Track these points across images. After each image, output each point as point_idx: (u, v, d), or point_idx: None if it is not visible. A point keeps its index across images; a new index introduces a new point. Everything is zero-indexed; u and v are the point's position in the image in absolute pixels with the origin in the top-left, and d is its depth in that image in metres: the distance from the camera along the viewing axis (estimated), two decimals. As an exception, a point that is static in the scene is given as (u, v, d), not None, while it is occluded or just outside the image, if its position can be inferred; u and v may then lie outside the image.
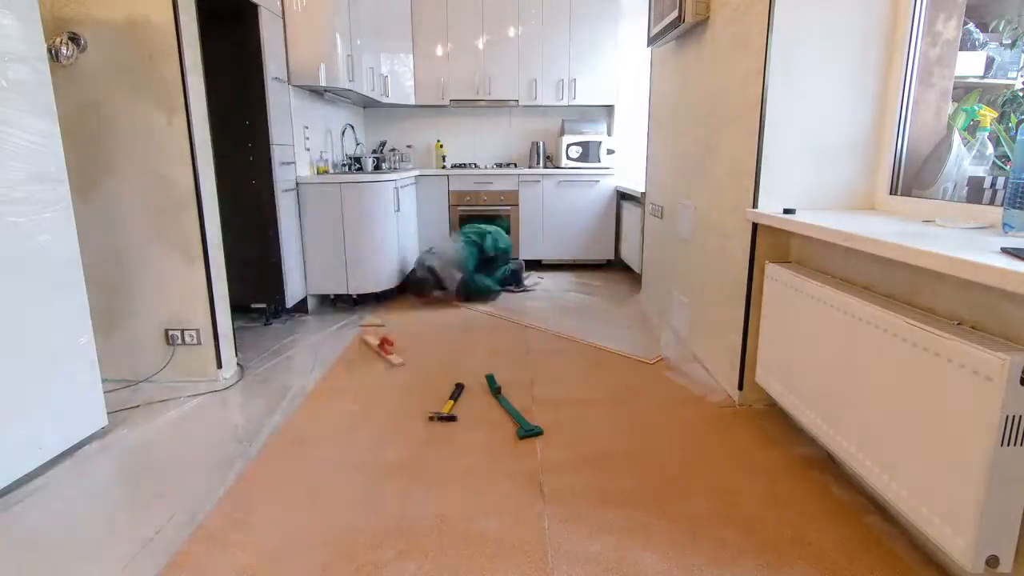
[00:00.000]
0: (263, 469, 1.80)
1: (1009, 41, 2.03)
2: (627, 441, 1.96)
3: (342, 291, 3.68)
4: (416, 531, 1.49)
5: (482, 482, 1.71)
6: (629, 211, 4.43)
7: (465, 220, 4.76)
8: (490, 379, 2.42)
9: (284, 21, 3.41)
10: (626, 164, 4.87)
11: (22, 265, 1.77)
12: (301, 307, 3.58)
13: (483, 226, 4.12)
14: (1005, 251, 1.18)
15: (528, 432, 1.99)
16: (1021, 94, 2.02)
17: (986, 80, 2.02)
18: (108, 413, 2.08)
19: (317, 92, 3.90)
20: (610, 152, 4.77)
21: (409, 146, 5.24)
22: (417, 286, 3.84)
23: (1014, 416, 1.07)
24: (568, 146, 4.78)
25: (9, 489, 1.69)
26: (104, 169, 2.31)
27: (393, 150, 5.12)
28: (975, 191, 1.74)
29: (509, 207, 4.77)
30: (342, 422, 2.11)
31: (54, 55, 2.13)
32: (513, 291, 4.11)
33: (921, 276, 1.44)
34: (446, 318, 3.48)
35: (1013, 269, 1.02)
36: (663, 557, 1.40)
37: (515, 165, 5.22)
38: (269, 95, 3.16)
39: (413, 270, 3.97)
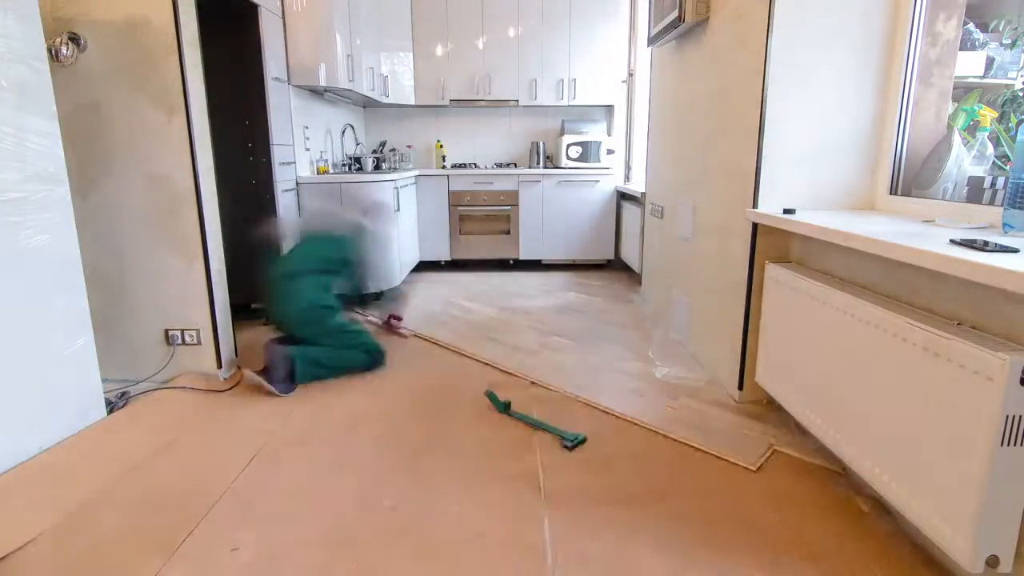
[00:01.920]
0: (264, 469, 1.80)
1: (1009, 41, 2.03)
2: (626, 440, 1.96)
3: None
4: (415, 530, 1.49)
5: (483, 486, 1.72)
6: (629, 211, 4.43)
7: (465, 220, 4.77)
8: (491, 396, 2.20)
9: (284, 21, 3.41)
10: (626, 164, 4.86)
11: (22, 265, 1.77)
12: (301, 307, 3.58)
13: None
14: (953, 242, 1.27)
15: (575, 442, 1.89)
16: (1021, 94, 2.02)
17: (986, 80, 2.02)
18: (108, 413, 2.08)
19: (317, 92, 3.90)
20: (610, 152, 4.77)
21: (409, 146, 5.24)
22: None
23: (1014, 416, 1.07)
24: (568, 146, 4.78)
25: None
26: (104, 169, 2.31)
27: (393, 150, 5.12)
28: (975, 191, 1.74)
29: (509, 207, 4.77)
30: (342, 423, 2.11)
31: (54, 55, 2.13)
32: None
33: (921, 276, 1.44)
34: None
35: (1014, 269, 1.02)
36: (666, 556, 1.40)
37: (515, 165, 5.22)
38: (269, 95, 3.16)
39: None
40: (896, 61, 1.95)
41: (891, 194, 2.00)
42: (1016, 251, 1.17)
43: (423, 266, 4.86)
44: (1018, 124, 1.96)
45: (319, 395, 2.34)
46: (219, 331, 2.46)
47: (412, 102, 4.90)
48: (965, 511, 1.15)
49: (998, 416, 1.07)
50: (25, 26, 1.77)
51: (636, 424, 2.08)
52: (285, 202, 3.33)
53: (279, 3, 3.35)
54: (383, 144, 5.03)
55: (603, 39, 4.78)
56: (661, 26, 2.89)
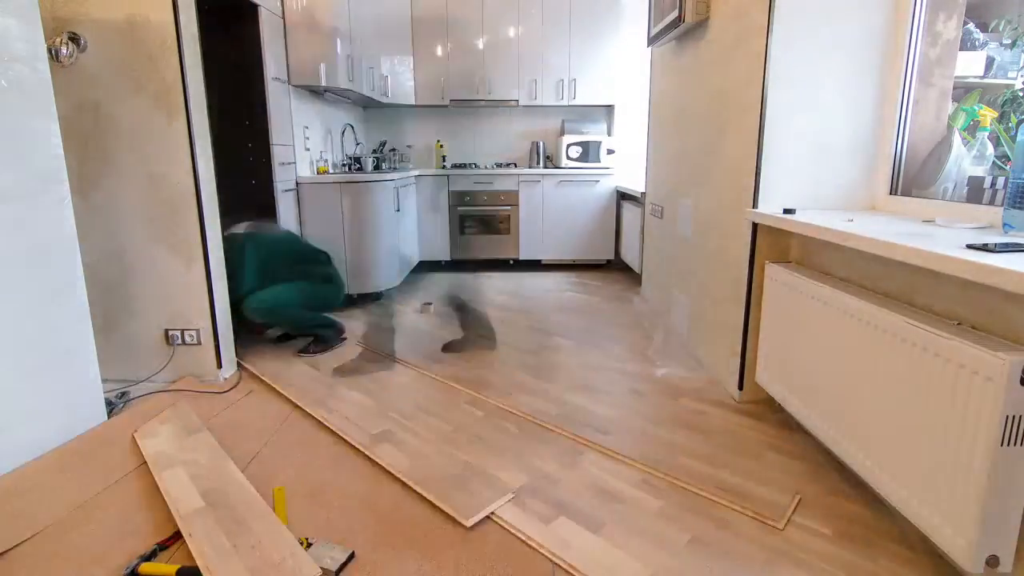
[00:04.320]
0: (264, 470, 1.80)
1: (1009, 41, 2.03)
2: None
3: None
4: (414, 530, 1.50)
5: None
6: (629, 211, 4.43)
7: (465, 220, 4.77)
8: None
9: (284, 21, 3.41)
10: (626, 164, 4.86)
11: (22, 265, 1.77)
12: (301, 307, 3.58)
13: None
14: (971, 247, 1.22)
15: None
16: (1021, 94, 2.02)
17: (986, 80, 2.02)
18: (108, 413, 2.08)
19: (317, 92, 3.90)
20: (610, 152, 4.77)
21: (409, 146, 5.24)
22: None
23: (1014, 416, 1.07)
24: (568, 146, 4.78)
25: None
26: (104, 169, 2.31)
27: (393, 150, 5.12)
28: (975, 191, 1.74)
29: (509, 207, 4.77)
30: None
31: (54, 55, 2.13)
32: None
33: (921, 276, 1.44)
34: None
35: (1014, 269, 1.02)
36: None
37: (515, 165, 5.22)
38: (269, 95, 3.16)
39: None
40: (896, 61, 1.95)
41: (891, 194, 2.00)
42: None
43: (423, 266, 4.86)
44: (1018, 124, 1.96)
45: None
46: (219, 331, 2.46)
47: (412, 102, 4.90)
48: (965, 511, 1.15)
49: (998, 416, 1.07)
50: (25, 26, 1.77)
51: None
52: (285, 202, 3.33)
53: (279, 3, 3.35)
54: (383, 144, 5.03)
55: (603, 39, 4.78)
56: (661, 26, 2.89)
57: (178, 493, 1.62)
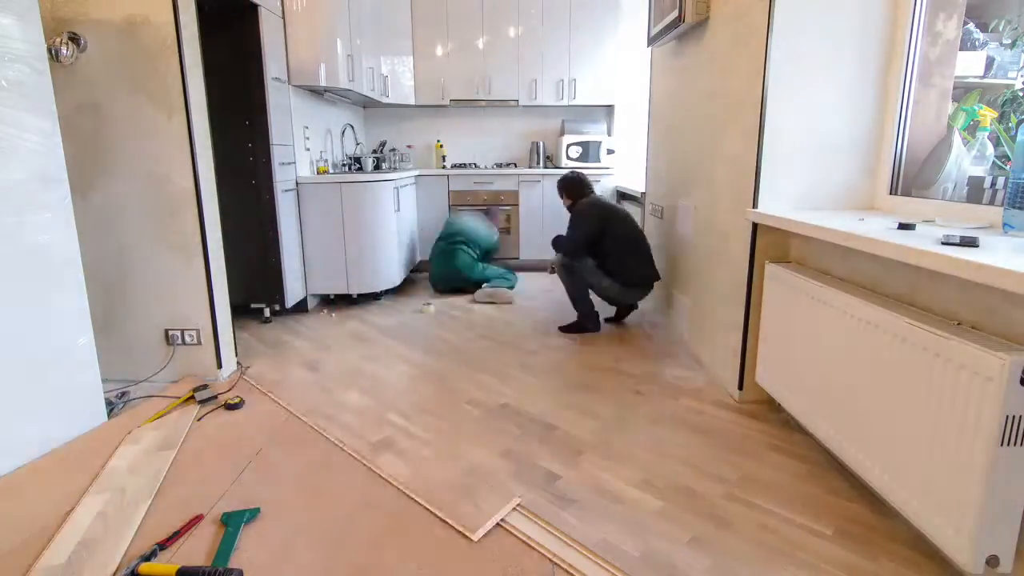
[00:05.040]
0: (262, 470, 1.80)
1: (1009, 41, 2.03)
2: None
3: (342, 291, 3.68)
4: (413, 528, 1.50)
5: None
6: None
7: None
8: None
9: (284, 21, 3.41)
10: (626, 164, 4.86)
11: (22, 265, 1.77)
12: (301, 307, 3.58)
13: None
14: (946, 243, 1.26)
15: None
16: (1021, 94, 2.02)
17: (986, 80, 2.01)
18: (108, 413, 2.08)
19: (317, 92, 3.90)
20: (610, 152, 4.77)
21: (409, 146, 5.24)
22: None
23: (1014, 416, 1.07)
24: (568, 146, 4.78)
25: (9, 489, 1.68)
26: (104, 169, 2.31)
27: (393, 150, 5.12)
28: (975, 191, 1.74)
29: (509, 207, 4.77)
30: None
31: (54, 55, 2.13)
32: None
33: (921, 276, 1.44)
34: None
35: (1013, 269, 1.02)
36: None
37: (515, 165, 5.21)
38: (269, 95, 3.16)
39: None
40: (896, 61, 1.95)
41: (891, 194, 2.00)
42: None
43: (424, 265, 4.86)
44: (1018, 124, 1.96)
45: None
46: (219, 331, 2.46)
47: (412, 102, 4.90)
48: (965, 511, 1.15)
49: (998, 416, 1.07)
50: (25, 26, 1.77)
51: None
52: (285, 202, 3.33)
53: (279, 3, 3.35)
54: (383, 144, 5.02)
55: (603, 39, 4.78)
56: (661, 26, 2.89)
57: (66, 531, 1.47)
